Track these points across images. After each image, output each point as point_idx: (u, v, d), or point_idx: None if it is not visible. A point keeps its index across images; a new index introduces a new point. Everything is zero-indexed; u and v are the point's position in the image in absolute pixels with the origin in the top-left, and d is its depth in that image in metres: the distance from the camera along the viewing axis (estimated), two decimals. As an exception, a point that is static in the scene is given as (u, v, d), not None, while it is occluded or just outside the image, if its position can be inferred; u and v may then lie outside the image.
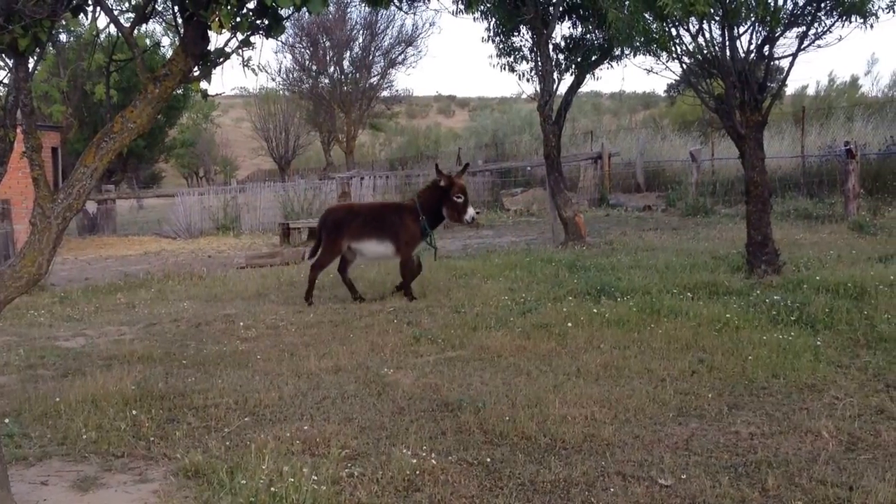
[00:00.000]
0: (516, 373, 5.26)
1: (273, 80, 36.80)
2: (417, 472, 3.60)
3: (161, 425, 4.44)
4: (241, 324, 7.40)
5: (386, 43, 34.56)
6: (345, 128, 34.96)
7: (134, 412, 4.56)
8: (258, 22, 3.45)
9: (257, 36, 3.57)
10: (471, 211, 8.34)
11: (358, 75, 34.56)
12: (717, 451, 3.83)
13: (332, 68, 34.62)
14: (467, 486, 3.52)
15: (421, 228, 8.29)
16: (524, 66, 14.41)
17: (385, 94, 36.98)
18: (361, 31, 34.08)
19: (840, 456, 3.70)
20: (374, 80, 35.23)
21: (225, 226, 20.08)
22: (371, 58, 34.53)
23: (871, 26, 7.78)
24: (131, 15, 4.14)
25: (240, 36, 3.46)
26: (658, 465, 3.68)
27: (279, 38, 3.75)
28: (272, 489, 3.38)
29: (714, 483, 3.44)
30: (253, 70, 3.86)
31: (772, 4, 7.65)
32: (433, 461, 3.70)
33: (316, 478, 3.48)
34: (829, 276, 7.45)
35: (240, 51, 3.54)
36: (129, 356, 6.17)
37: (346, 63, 34.51)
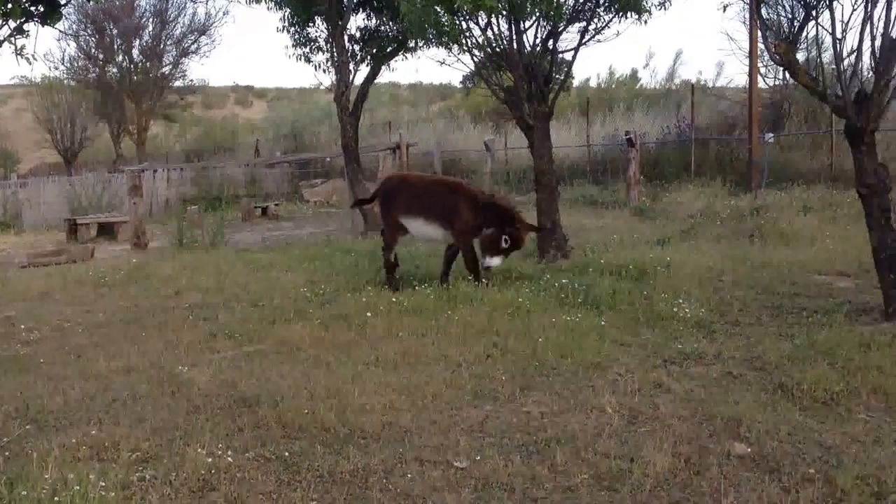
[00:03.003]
0: (315, 365, 5.16)
1: (56, 68, 33.93)
2: (213, 471, 3.46)
3: (-79, 442, 3.89)
4: (23, 326, 6.83)
5: (178, 31, 33.02)
6: (136, 119, 32.91)
7: None
8: (32, 9, 3.10)
9: (32, 23, 3.22)
10: (496, 261, 7.16)
11: (149, 64, 32.76)
12: (509, 432, 3.92)
13: (120, 57, 32.60)
14: (265, 481, 3.42)
15: (478, 224, 7.20)
16: (320, 57, 14.26)
17: (178, 84, 35.26)
18: (151, 19, 32.38)
19: (622, 429, 3.90)
20: (165, 69, 33.56)
21: (4, 223, 19.13)
22: (162, 47, 32.88)
23: (646, 22, 8.44)
24: None
25: (12, 24, 3.09)
26: (454, 448, 3.71)
27: (58, 27, 3.40)
28: (56, 499, 3.11)
29: (507, 462, 3.51)
30: (27, 59, 3.49)
31: (555, 1, 8.04)
32: (229, 459, 3.56)
33: (104, 484, 3.23)
34: (613, 259, 7.95)
35: (12, 39, 3.17)
36: None
37: (135, 52, 32.62)
